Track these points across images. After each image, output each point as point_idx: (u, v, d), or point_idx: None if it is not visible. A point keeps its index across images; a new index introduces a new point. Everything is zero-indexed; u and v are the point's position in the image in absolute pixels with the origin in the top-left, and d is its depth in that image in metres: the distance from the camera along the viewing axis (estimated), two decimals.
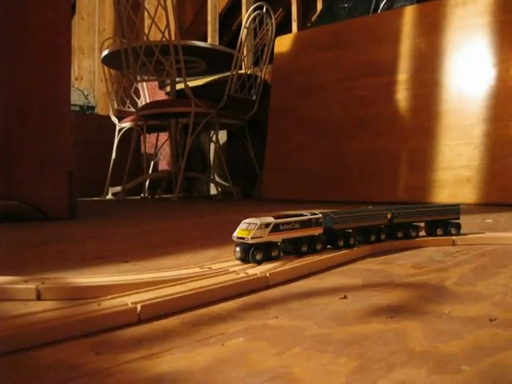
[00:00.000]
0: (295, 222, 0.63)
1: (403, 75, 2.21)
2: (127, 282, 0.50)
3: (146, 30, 2.45)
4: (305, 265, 0.60)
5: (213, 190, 3.32)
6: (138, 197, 3.16)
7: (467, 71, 2.06)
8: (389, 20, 2.31)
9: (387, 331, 0.38)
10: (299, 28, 3.42)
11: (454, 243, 0.81)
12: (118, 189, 2.81)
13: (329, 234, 0.68)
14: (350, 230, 0.72)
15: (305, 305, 0.46)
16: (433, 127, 2.09)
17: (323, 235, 0.68)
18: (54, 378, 0.30)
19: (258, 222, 0.59)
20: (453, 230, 0.80)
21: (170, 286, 0.48)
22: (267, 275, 0.54)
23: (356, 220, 0.71)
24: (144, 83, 3.29)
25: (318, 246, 0.66)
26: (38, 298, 0.48)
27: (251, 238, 0.59)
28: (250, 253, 0.59)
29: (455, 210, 0.80)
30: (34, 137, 1.38)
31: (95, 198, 2.95)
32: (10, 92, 1.37)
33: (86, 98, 3.62)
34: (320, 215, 0.66)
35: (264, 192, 2.57)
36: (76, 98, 3.46)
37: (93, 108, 3.66)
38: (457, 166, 2.00)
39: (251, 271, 0.55)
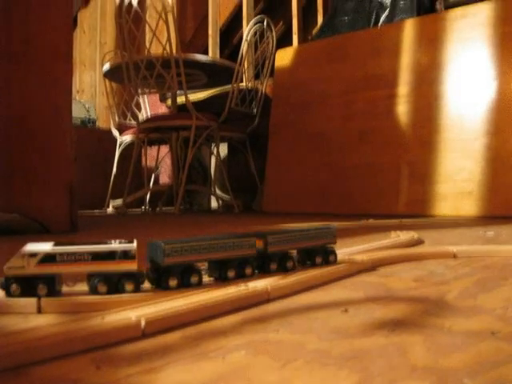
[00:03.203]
0: (84, 252, 0.49)
1: (404, 88, 2.22)
2: (129, 297, 0.50)
3: (148, 44, 2.46)
4: (306, 278, 0.60)
5: (214, 203, 3.32)
6: (139, 210, 3.16)
7: (467, 84, 2.06)
8: (389, 33, 2.32)
9: (388, 345, 0.38)
10: (300, 41, 3.44)
11: (455, 256, 0.81)
12: (119, 202, 2.81)
13: (158, 271, 0.53)
14: (205, 265, 0.58)
15: (306, 318, 0.46)
16: (433, 140, 2.10)
17: (148, 272, 0.54)
18: None
19: (24, 250, 0.47)
20: (331, 257, 0.68)
21: (171, 299, 0.47)
22: (268, 288, 0.53)
23: (202, 251, 0.54)
24: (145, 96, 3.30)
25: (128, 287, 0.51)
26: (39, 311, 0.48)
27: (6, 268, 0.47)
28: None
29: (332, 232, 0.68)
30: (35, 150, 1.38)
31: (96, 211, 2.95)
32: (12, 105, 1.38)
33: (88, 111, 3.63)
34: (133, 246, 0.51)
35: (265, 205, 2.57)
36: (77, 111, 3.47)
37: (94, 121, 3.67)
38: (458, 179, 2.00)
39: (252, 284, 0.54)
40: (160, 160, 3.42)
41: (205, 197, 3.45)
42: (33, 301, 0.48)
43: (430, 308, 0.49)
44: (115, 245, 0.50)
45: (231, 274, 0.57)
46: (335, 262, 0.68)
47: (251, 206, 2.93)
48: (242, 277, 0.58)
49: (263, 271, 0.61)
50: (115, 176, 2.98)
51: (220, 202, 2.93)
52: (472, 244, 1.01)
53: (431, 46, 2.18)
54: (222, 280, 0.57)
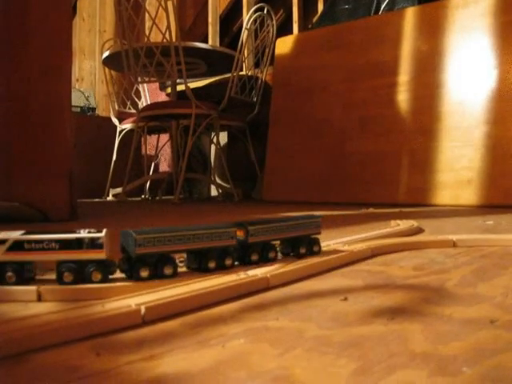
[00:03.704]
0: (52, 241, 0.49)
1: (404, 77, 2.21)
2: (129, 284, 0.50)
3: (147, 32, 2.45)
4: (305, 266, 0.60)
5: (213, 192, 3.32)
6: (139, 198, 3.16)
7: (468, 73, 2.06)
8: (390, 21, 2.31)
9: (388, 333, 0.38)
10: (300, 29, 3.42)
11: (454, 245, 0.81)
12: (119, 190, 2.81)
13: (129, 261, 0.52)
14: (184, 255, 0.57)
15: (305, 306, 0.46)
16: (434, 129, 2.09)
17: (120, 262, 0.53)
18: (53, 379, 0.30)
19: None
20: (315, 247, 0.66)
21: (171, 287, 0.48)
22: (268, 276, 0.54)
23: (177, 242, 0.53)
24: (145, 84, 3.29)
25: (96, 276, 0.50)
26: (39, 299, 0.48)
27: None
28: None
29: (316, 222, 0.66)
30: (35, 138, 1.38)
31: (96, 200, 2.95)
32: (11, 93, 1.37)
33: (87, 100, 3.62)
34: (101, 235, 0.50)
35: (265, 194, 2.57)
36: (77, 100, 3.46)
37: (93, 109, 3.66)
38: (458, 168, 2.00)
39: (251, 272, 0.55)
40: (160, 148, 3.42)
41: (204, 185, 3.45)
42: (33, 289, 0.48)
43: (430, 296, 0.49)
44: (83, 234, 0.50)
45: (212, 264, 0.56)
46: (319, 252, 0.66)
47: (251, 194, 2.93)
48: (222, 268, 0.57)
49: (244, 262, 0.60)
50: (115, 164, 2.98)
51: (220, 190, 2.93)
52: (471, 233, 1.01)
53: (432, 34, 2.17)
54: (201, 271, 0.55)
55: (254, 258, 0.60)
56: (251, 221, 0.60)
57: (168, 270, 0.53)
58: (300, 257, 0.64)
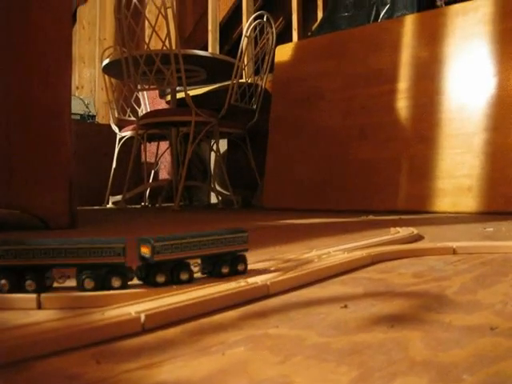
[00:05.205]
0: None
1: (404, 84, 2.22)
2: (129, 292, 0.50)
3: (147, 39, 2.46)
4: (305, 274, 0.60)
5: (213, 199, 3.32)
6: (139, 206, 3.16)
7: (468, 80, 2.06)
8: (389, 29, 2.32)
9: (388, 340, 0.38)
10: (300, 37, 3.43)
11: (454, 252, 0.81)
12: (119, 198, 2.81)
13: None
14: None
15: (305, 314, 0.46)
16: (433, 136, 2.10)
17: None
18: None
19: None
20: (240, 266, 0.58)
21: (172, 295, 0.47)
22: (268, 284, 0.53)
23: (43, 256, 0.48)
24: (144, 92, 3.30)
25: None
26: (39, 307, 0.48)
27: None
28: None
29: (242, 238, 0.59)
30: (34, 145, 1.38)
31: (96, 207, 2.95)
32: (11, 101, 1.38)
33: (87, 107, 3.63)
34: None
35: (265, 201, 2.57)
36: (77, 107, 3.47)
37: (93, 117, 3.66)
38: (457, 175, 2.00)
39: (251, 280, 0.54)
40: (160, 156, 3.42)
41: (204, 192, 3.45)
42: (33, 296, 0.48)
43: (430, 303, 0.49)
44: None
45: (89, 285, 0.49)
46: (245, 271, 0.59)
47: (251, 201, 2.93)
48: (106, 288, 0.50)
49: (149, 283, 0.52)
50: (115, 172, 2.98)
51: (219, 197, 2.93)
52: (471, 240, 1.01)
53: (431, 41, 2.18)
54: (79, 291, 0.50)
55: (160, 279, 0.52)
56: (160, 236, 0.53)
57: (30, 287, 0.49)
58: (222, 277, 0.56)
